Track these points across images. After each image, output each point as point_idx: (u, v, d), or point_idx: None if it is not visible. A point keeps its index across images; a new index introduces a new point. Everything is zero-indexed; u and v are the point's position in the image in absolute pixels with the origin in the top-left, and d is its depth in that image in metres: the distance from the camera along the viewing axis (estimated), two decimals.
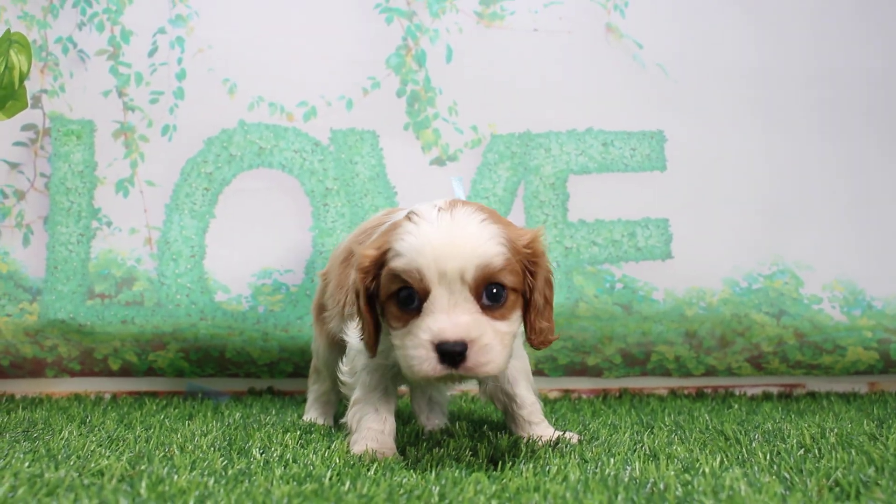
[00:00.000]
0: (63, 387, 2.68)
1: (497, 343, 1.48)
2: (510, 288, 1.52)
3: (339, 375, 1.78)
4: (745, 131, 2.73)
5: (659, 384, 2.75)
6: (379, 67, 2.68)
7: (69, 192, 2.62)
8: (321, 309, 2.05)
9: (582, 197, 2.69)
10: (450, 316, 1.44)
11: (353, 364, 1.74)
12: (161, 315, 2.59)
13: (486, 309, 1.49)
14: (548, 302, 1.61)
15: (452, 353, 1.43)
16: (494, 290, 1.50)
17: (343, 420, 1.79)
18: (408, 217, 1.54)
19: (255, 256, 2.63)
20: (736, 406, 2.43)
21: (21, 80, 2.56)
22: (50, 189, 2.62)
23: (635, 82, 2.72)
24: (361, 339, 1.64)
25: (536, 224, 2.65)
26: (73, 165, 2.62)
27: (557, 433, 1.81)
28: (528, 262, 1.57)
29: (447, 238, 1.47)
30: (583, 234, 2.66)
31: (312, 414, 2.19)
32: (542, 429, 1.83)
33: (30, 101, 2.60)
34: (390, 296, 1.52)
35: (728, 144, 2.72)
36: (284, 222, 2.63)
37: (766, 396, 2.71)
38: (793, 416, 2.20)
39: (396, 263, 1.49)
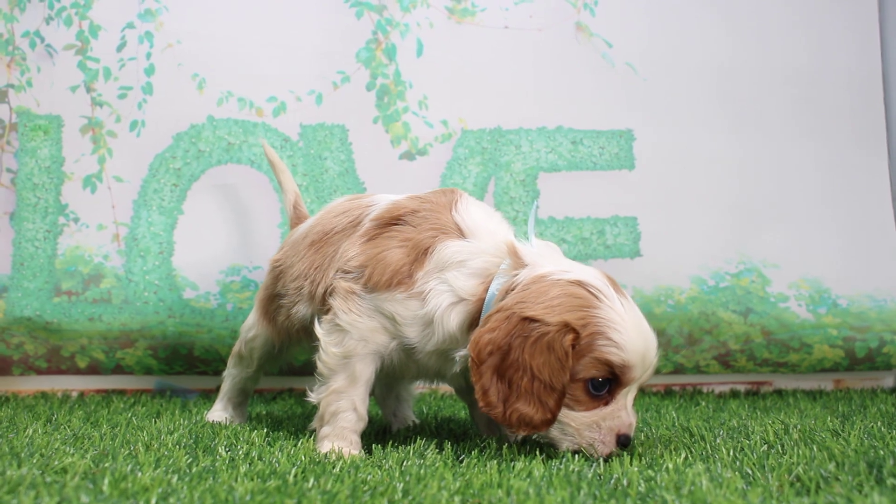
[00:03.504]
0: (29, 385, 2.65)
1: None
2: None
3: (323, 354, 1.69)
4: (714, 131, 2.75)
5: None
6: (349, 61, 2.68)
7: (36, 187, 2.59)
8: (272, 299, 1.96)
9: (552, 194, 2.70)
10: (629, 412, 1.56)
11: (346, 348, 1.67)
12: (129, 312, 2.57)
13: None
14: None
15: (626, 444, 1.55)
16: None
17: (310, 398, 1.74)
18: (588, 291, 1.52)
19: (223, 253, 2.61)
20: (703, 403, 2.45)
21: None
22: (16, 185, 2.59)
23: (605, 81, 2.73)
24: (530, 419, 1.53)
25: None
26: (39, 161, 2.60)
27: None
28: None
29: (649, 339, 1.54)
30: (552, 231, 2.67)
31: (221, 412, 2.10)
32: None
33: None
34: (582, 379, 1.53)
35: (697, 144, 2.74)
36: (253, 219, 2.61)
37: (734, 394, 2.73)
38: (758, 413, 2.22)
39: (611, 354, 1.50)
